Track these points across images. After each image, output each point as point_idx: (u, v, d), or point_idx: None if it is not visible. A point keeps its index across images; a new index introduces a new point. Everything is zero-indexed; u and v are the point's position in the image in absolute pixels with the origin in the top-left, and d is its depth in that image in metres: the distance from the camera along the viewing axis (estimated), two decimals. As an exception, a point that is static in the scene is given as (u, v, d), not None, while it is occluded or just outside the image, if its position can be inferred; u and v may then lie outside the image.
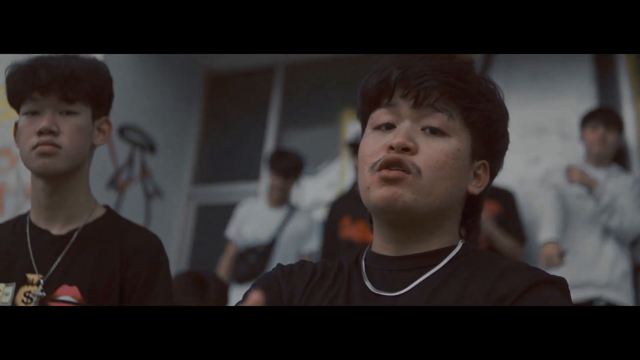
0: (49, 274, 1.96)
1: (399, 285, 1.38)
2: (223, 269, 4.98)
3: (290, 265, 1.53)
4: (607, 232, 4.31)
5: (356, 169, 4.67)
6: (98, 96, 2.05)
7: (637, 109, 5.07)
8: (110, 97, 2.11)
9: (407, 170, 1.33)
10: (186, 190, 6.33)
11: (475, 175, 1.44)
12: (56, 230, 2.02)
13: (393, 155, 1.34)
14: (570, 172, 4.39)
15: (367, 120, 1.46)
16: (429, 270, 1.38)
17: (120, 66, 5.14)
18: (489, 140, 1.44)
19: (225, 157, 6.43)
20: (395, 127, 1.39)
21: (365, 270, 1.45)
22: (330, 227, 4.78)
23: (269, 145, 6.11)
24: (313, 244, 4.97)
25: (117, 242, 2.03)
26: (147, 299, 1.97)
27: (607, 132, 4.53)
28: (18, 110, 2.02)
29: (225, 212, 5.59)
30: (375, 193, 1.35)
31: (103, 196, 4.81)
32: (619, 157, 4.78)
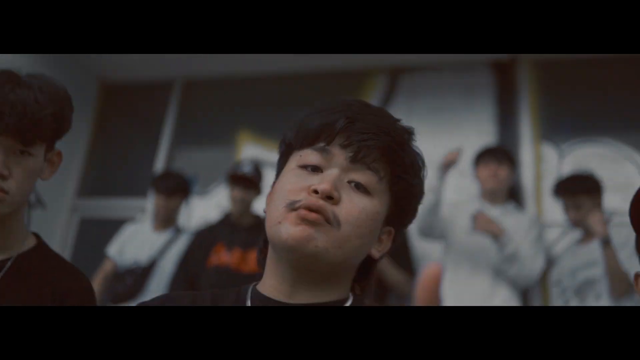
0: None
1: None
2: (96, 285, 4.80)
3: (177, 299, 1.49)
4: (500, 277, 4.33)
5: (235, 200, 4.76)
6: (58, 133, 1.93)
7: (536, 150, 5.12)
8: (68, 129, 1.97)
9: (327, 219, 1.30)
10: (70, 202, 6.17)
11: (379, 239, 1.43)
12: None
13: (315, 201, 1.31)
14: (477, 220, 4.33)
15: (291, 153, 1.44)
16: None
17: (8, 67, 4.89)
18: (404, 211, 1.45)
19: (114, 171, 6.28)
20: (322, 171, 1.37)
21: None
22: (196, 253, 4.74)
23: (160, 161, 6.03)
24: None
25: (49, 280, 1.93)
26: None
27: (499, 167, 4.58)
28: None
29: (109, 227, 5.50)
30: (288, 230, 1.30)
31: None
32: (514, 196, 4.84)
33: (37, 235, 2.04)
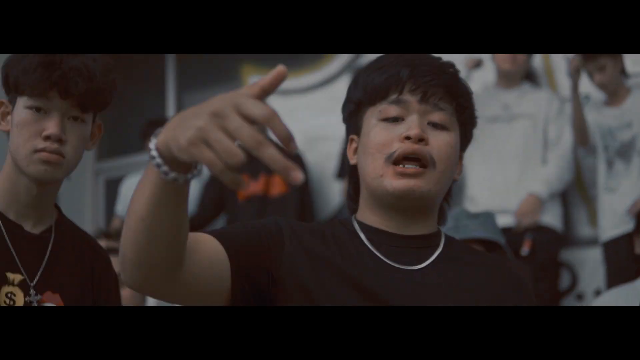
0: (36, 278, 1.86)
1: (412, 260, 1.52)
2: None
3: (299, 228, 1.56)
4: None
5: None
6: (105, 105, 1.92)
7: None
8: (110, 102, 1.96)
9: (424, 163, 1.48)
10: (92, 166, 6.22)
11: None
12: (28, 227, 1.90)
13: (411, 146, 1.47)
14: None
15: (363, 111, 1.57)
16: (433, 250, 1.56)
17: None
18: (467, 135, 1.63)
19: (127, 128, 6.25)
20: (403, 119, 1.51)
21: (369, 242, 1.54)
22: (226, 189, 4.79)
23: (170, 109, 6.02)
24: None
25: (85, 252, 1.99)
26: None
27: None
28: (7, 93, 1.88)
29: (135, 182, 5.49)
30: (392, 184, 1.48)
31: None
32: (530, 78, 4.78)
33: (56, 205, 2.03)
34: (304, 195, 4.98)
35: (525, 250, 4.19)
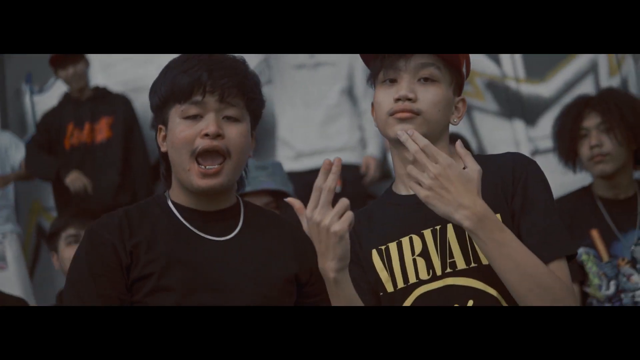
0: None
1: (221, 232, 1.96)
2: None
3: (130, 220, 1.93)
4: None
5: (67, 79, 5.14)
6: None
7: None
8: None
9: (223, 155, 1.87)
10: None
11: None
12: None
13: (210, 142, 1.85)
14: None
15: (170, 106, 1.91)
16: (236, 220, 2.01)
17: None
18: (257, 116, 2.02)
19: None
20: (202, 117, 1.87)
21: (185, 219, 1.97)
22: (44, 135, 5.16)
23: None
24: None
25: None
26: None
27: None
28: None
29: None
30: (197, 182, 1.87)
31: None
32: None
33: None
34: (128, 141, 5.17)
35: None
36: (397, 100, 1.83)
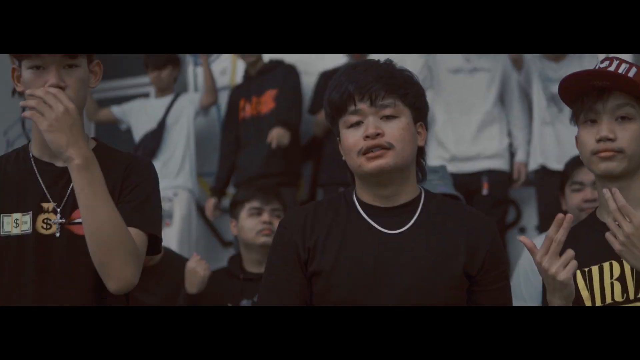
0: (63, 201, 2.13)
1: (397, 226, 2.08)
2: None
3: (302, 219, 2.16)
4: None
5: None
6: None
7: None
8: None
9: (384, 148, 2.01)
10: None
11: (418, 133, 2.12)
12: (60, 163, 2.12)
13: (371, 141, 2.01)
14: None
15: (336, 121, 2.11)
16: (414, 213, 2.11)
17: None
18: (419, 107, 2.12)
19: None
20: (362, 122, 2.04)
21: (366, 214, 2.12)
22: (233, 114, 5.43)
23: None
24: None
25: (119, 165, 2.18)
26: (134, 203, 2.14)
27: None
28: None
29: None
30: (367, 166, 2.02)
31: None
32: None
33: (96, 140, 2.28)
34: (288, 112, 5.27)
35: (485, 190, 4.77)
36: (599, 140, 2.07)
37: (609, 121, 2.07)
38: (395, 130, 2.03)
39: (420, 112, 2.13)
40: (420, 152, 2.17)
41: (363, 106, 2.04)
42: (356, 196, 2.17)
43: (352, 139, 2.06)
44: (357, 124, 2.05)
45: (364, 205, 2.13)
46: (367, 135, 2.02)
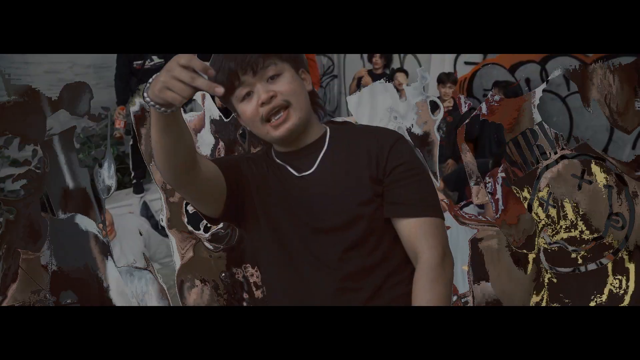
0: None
1: (307, 167, 2.22)
2: None
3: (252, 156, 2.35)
4: None
5: None
6: None
7: None
8: None
9: (284, 107, 2.13)
10: None
11: (303, 79, 2.23)
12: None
13: (267, 107, 2.12)
14: None
15: (228, 98, 2.19)
16: (320, 151, 2.24)
17: None
18: (296, 58, 2.21)
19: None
20: (252, 92, 2.14)
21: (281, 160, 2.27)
22: None
23: None
24: None
25: None
26: None
27: None
28: None
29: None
30: (275, 134, 2.15)
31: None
32: None
33: None
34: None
35: None
36: (262, 104, 2.11)
37: None
38: (285, 86, 2.13)
39: (297, 60, 2.23)
40: (312, 95, 2.27)
41: (247, 78, 2.12)
42: (273, 150, 2.32)
43: (249, 110, 2.15)
44: (248, 94, 2.15)
45: (278, 153, 2.29)
46: (262, 102, 2.11)
